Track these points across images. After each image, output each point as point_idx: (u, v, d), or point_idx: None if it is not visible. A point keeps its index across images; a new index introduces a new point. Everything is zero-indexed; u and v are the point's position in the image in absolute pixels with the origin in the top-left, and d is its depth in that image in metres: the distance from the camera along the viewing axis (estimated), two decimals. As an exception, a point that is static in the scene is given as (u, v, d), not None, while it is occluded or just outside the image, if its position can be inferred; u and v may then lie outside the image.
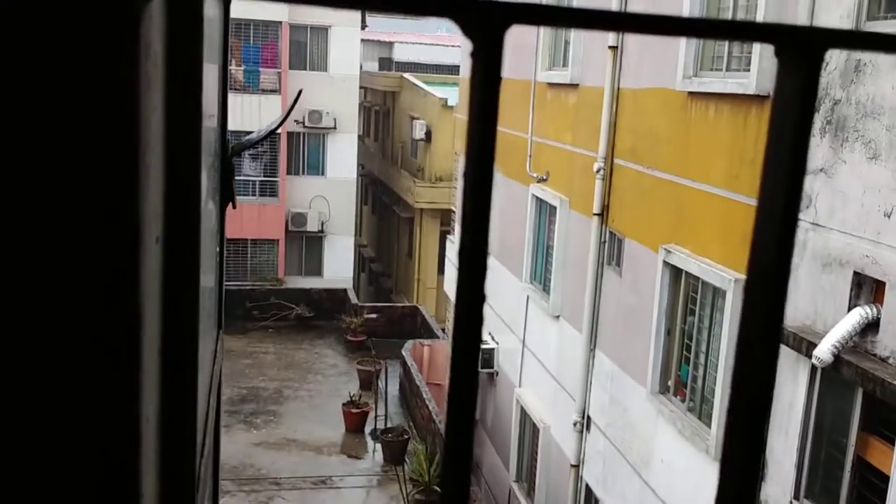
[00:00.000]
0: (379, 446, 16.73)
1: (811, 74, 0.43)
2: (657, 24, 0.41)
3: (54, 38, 0.52)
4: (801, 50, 0.43)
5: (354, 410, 17.52)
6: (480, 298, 0.43)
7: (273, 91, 25.41)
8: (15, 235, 0.55)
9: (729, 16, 8.00)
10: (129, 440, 0.60)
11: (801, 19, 6.70)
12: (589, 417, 10.82)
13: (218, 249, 2.02)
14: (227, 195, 2.00)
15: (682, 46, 8.47)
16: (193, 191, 0.93)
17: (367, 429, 17.60)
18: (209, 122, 1.74)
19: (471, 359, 0.43)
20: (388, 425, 17.28)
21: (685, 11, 8.46)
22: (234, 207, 2.08)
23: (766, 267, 0.46)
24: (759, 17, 7.23)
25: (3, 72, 0.52)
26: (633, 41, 9.82)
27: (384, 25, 44.45)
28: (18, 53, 0.52)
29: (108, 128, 0.55)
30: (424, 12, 0.40)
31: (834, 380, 6.37)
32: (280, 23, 25.25)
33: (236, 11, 24.37)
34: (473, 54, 0.39)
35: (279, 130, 25.08)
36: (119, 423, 0.59)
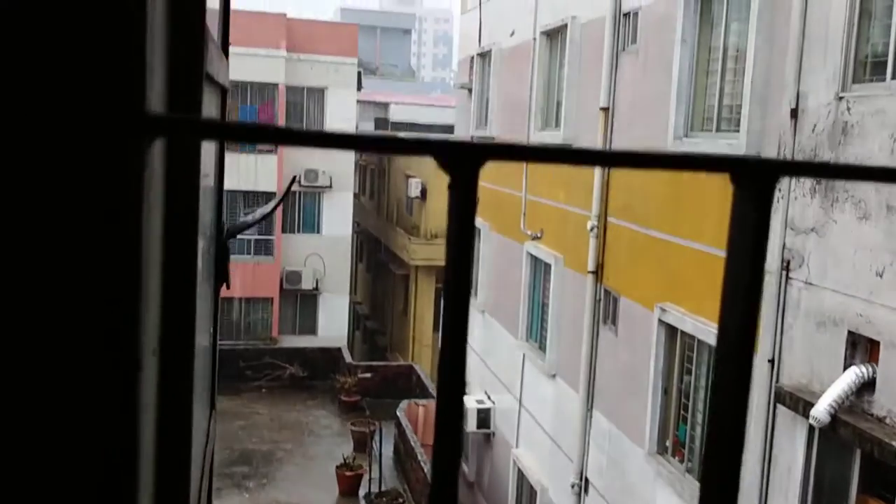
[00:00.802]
0: (373, 509, 16.44)
1: (764, 201, 0.44)
2: (622, 158, 0.43)
3: (64, 171, 0.56)
4: (754, 179, 0.44)
5: (348, 473, 17.26)
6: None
7: (269, 151, 25.65)
8: (20, 360, 0.57)
9: (717, 80, 8.15)
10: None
11: (789, 82, 6.83)
12: (587, 479, 10.67)
13: (211, 331, 2.02)
14: (221, 277, 2.01)
15: (673, 107, 8.60)
16: (189, 302, 0.95)
17: (362, 492, 17.31)
18: (206, 212, 1.77)
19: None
20: (383, 488, 17.00)
21: (674, 84, 8.61)
22: (228, 288, 2.09)
23: (726, 401, 0.46)
24: (748, 81, 7.36)
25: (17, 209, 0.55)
26: (625, 102, 9.98)
27: (380, 86, 45.14)
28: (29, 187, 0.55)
29: (110, 258, 0.58)
30: (408, 152, 0.44)
31: (832, 440, 6.31)
32: (277, 84, 25.62)
33: (233, 72, 24.70)
34: (450, 186, 0.42)
35: (275, 189, 25.25)
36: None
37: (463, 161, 0.42)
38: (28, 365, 0.58)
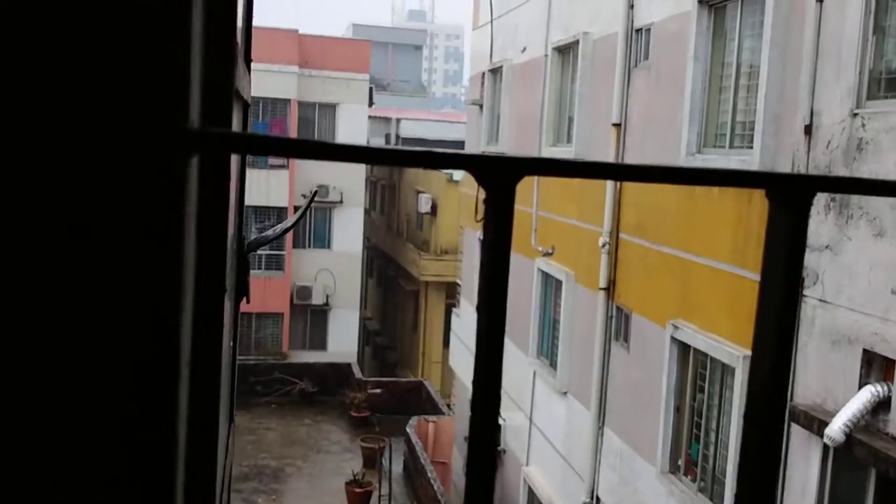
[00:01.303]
0: (383, 526, 16.35)
1: (800, 216, 0.43)
2: (655, 173, 0.42)
3: (115, 180, 0.57)
4: (790, 194, 0.42)
5: (357, 490, 17.18)
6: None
7: (281, 167, 25.76)
8: (63, 373, 0.59)
9: (730, 97, 8.12)
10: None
11: (803, 98, 6.79)
12: (598, 498, 10.57)
13: (232, 344, 2.01)
14: (242, 291, 2.01)
15: (686, 123, 8.58)
16: (217, 316, 0.96)
17: (371, 508, 17.22)
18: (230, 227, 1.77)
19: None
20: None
21: (686, 100, 8.59)
22: (248, 302, 2.09)
23: (763, 395, 0.44)
24: (761, 98, 7.33)
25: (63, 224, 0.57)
26: (637, 118, 9.96)
27: (391, 102, 45.32)
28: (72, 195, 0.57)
29: (156, 272, 0.60)
30: (445, 166, 0.45)
31: (846, 460, 6.23)
32: (289, 100, 25.76)
33: (246, 89, 24.89)
34: (486, 201, 0.42)
35: (286, 205, 25.34)
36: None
37: (500, 176, 0.43)
38: (73, 378, 0.59)
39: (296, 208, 26.28)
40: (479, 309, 0.44)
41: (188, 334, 0.79)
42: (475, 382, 0.43)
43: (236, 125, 1.55)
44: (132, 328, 0.59)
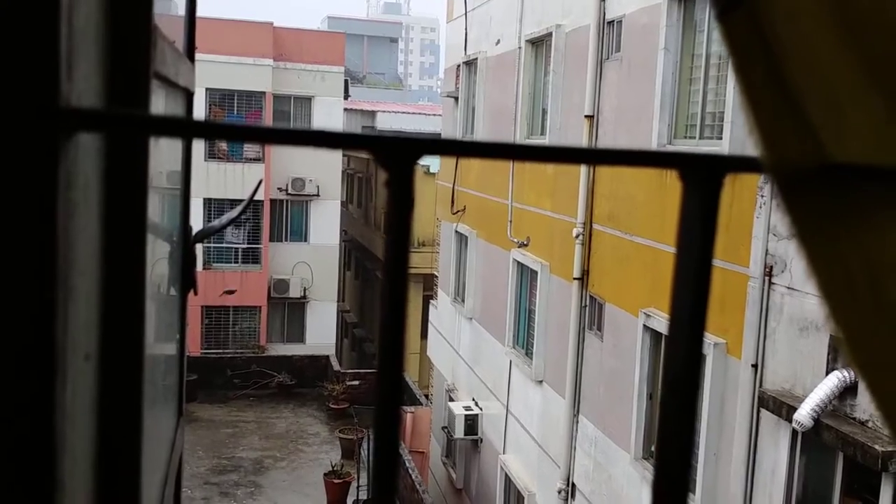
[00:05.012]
0: (362, 517, 16.40)
1: (712, 197, 0.48)
2: (565, 154, 0.46)
3: None
4: (703, 175, 0.48)
5: (336, 480, 17.22)
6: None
7: (256, 160, 25.63)
8: None
9: (700, 88, 8.23)
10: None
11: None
12: (573, 484, 10.70)
13: (179, 336, 2.04)
14: (188, 283, 2.03)
15: (657, 114, 8.68)
16: (135, 305, 0.96)
17: (350, 499, 17.27)
18: (171, 215, 1.78)
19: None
20: (371, 495, 16.94)
21: (657, 91, 8.68)
22: (196, 294, 2.11)
23: (676, 377, 0.49)
24: (730, 89, 7.44)
25: None
26: (609, 110, 10.05)
27: (367, 95, 45.17)
28: None
29: (17, 257, 0.56)
30: (348, 146, 0.44)
31: (815, 444, 6.37)
32: (264, 93, 25.62)
33: (220, 81, 24.73)
34: (386, 183, 0.44)
35: (262, 198, 25.21)
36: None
37: (398, 156, 0.42)
38: None
39: (272, 202, 26.17)
40: (381, 294, 0.44)
41: (87, 325, 0.77)
42: (378, 366, 0.44)
43: (169, 111, 1.55)
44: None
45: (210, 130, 0.44)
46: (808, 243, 0.45)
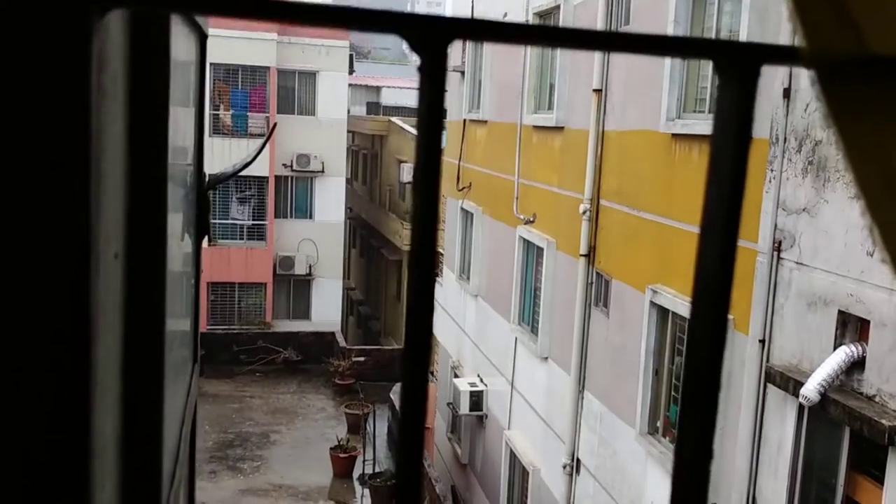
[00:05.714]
0: (367, 491, 16.50)
1: (748, 88, 0.44)
2: (595, 39, 0.42)
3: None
4: (739, 65, 0.44)
5: (342, 455, 17.32)
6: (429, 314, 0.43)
7: (261, 135, 25.54)
8: None
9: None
10: (79, 462, 0.60)
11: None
12: (578, 460, 10.72)
13: (193, 281, 2.02)
14: (202, 228, 2.01)
15: (666, 89, 8.59)
16: (159, 203, 0.94)
17: (356, 474, 17.38)
18: (183, 157, 1.75)
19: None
20: (377, 470, 17.07)
21: (666, 65, 8.59)
22: (210, 242, 2.09)
23: (710, 279, 0.46)
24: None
25: None
26: (618, 84, 9.96)
27: (372, 70, 44.94)
28: None
29: (54, 132, 0.56)
30: (372, 29, 0.41)
31: (821, 419, 6.35)
32: (268, 68, 25.49)
33: (224, 56, 24.59)
34: (420, 68, 0.41)
35: (267, 174, 25.17)
36: (70, 444, 0.59)
37: (433, 37, 0.39)
38: None
39: (277, 178, 26.14)
40: (413, 184, 0.43)
41: (117, 224, 0.76)
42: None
43: (190, 51, 1.53)
44: (29, 199, 0.55)
45: (241, 7, 0.41)
46: (846, 136, 0.43)
